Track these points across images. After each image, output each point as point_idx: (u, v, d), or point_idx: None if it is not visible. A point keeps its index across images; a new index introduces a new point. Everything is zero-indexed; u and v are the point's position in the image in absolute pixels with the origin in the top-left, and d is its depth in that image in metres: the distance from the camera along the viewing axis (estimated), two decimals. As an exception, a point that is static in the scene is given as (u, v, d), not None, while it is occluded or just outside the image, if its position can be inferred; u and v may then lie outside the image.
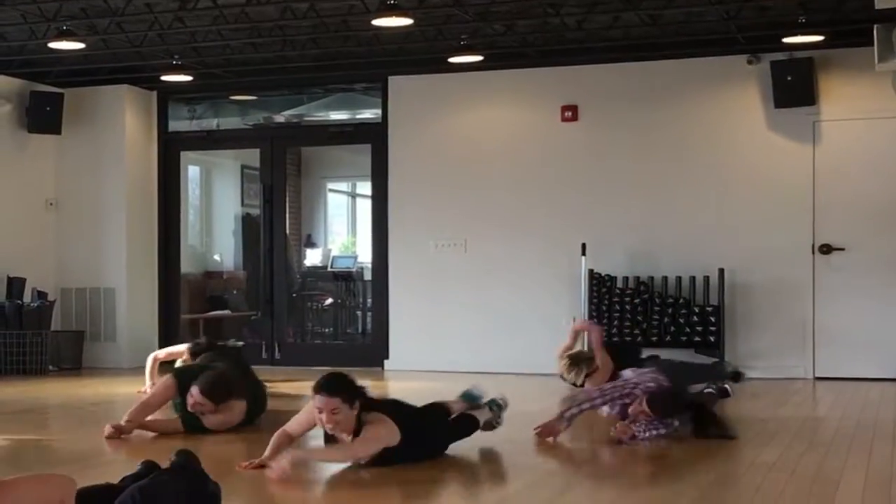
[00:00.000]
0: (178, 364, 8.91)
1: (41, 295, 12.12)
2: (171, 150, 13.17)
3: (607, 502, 5.01)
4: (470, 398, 6.65)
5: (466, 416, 6.54)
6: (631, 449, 6.64)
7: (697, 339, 10.86)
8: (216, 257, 16.04)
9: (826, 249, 10.93)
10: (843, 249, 10.90)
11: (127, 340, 12.61)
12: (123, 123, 12.58)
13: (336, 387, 5.75)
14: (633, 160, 11.46)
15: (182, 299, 13.47)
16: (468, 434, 6.42)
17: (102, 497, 4.16)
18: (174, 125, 13.25)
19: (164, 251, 13.09)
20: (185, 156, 13.59)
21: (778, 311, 11.06)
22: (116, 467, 5.60)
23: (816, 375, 10.70)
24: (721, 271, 10.95)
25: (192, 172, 14.93)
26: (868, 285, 10.79)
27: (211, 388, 7.10)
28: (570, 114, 11.64)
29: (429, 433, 6.08)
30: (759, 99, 11.08)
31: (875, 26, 9.87)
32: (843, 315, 10.78)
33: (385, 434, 5.79)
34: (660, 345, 10.61)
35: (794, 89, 10.79)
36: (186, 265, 13.90)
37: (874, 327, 10.60)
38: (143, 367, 9.65)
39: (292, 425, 6.05)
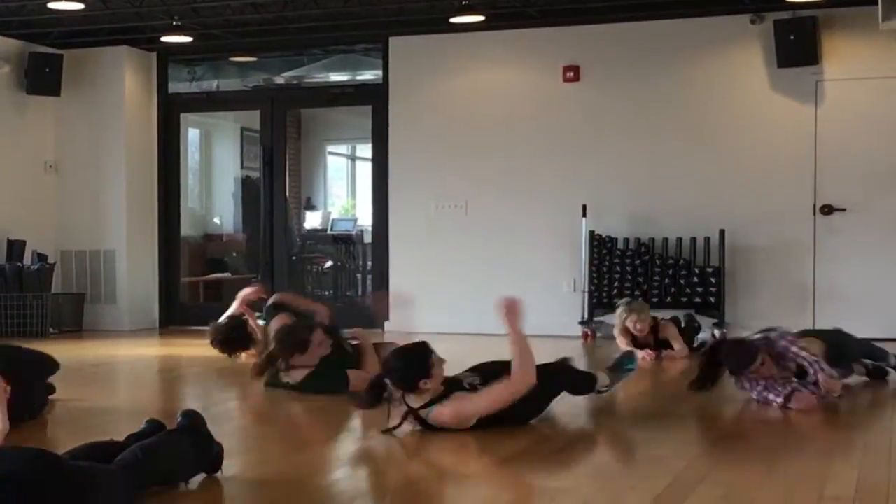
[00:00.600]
0: None
1: (41, 257, 12.12)
2: (170, 112, 13.13)
3: (607, 461, 5.00)
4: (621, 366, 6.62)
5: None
6: (633, 404, 6.67)
7: (698, 300, 10.86)
8: (216, 220, 16.06)
9: (827, 210, 10.92)
10: (844, 210, 10.88)
11: (127, 303, 12.62)
12: (123, 85, 12.54)
13: None
14: (634, 121, 11.44)
15: (182, 262, 13.47)
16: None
17: (104, 453, 4.18)
18: (174, 87, 13.20)
19: (164, 213, 13.07)
20: (185, 118, 13.55)
21: (779, 272, 11.07)
22: (118, 427, 5.61)
23: (817, 336, 10.70)
24: (722, 232, 10.94)
25: (191, 135, 14.92)
26: (869, 246, 10.79)
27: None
28: (571, 74, 11.60)
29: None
30: (761, 58, 11.04)
31: (879, -15, 9.84)
32: (843, 275, 10.78)
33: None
34: (660, 306, 10.59)
35: (797, 49, 10.73)
36: (186, 228, 13.91)
37: (874, 287, 10.60)
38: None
39: None
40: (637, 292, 10.95)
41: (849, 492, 4.38)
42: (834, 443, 5.68)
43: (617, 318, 9.64)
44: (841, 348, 7.10)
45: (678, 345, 9.39)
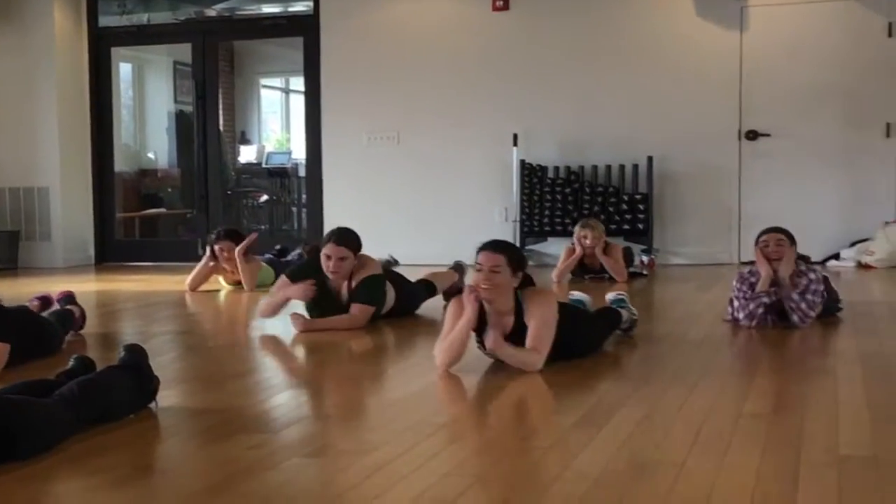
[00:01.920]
0: None
1: (-27, 195, 12.09)
2: (101, 47, 13.04)
3: (531, 385, 5.12)
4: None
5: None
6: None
7: (627, 227, 11.03)
8: (150, 155, 15.99)
9: (752, 135, 11.10)
10: (768, 135, 11.07)
11: (62, 239, 12.59)
12: (52, 19, 12.40)
13: (500, 245, 5.41)
14: (563, 49, 11.52)
15: (117, 198, 13.44)
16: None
17: (38, 391, 4.22)
18: (104, 21, 13.07)
19: (98, 149, 13.01)
20: (116, 52, 13.44)
21: (705, 198, 11.25)
22: (54, 364, 5.69)
23: (742, 260, 10.91)
24: (649, 159, 11.09)
25: (123, 70, 14.81)
26: (793, 170, 11.00)
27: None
28: (501, 3, 11.61)
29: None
30: (687, -14, 11.16)
31: None
32: (767, 200, 10.97)
33: (554, 313, 5.35)
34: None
35: (722, -25, 10.87)
36: (120, 163, 13.85)
37: (798, 212, 10.74)
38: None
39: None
40: (568, 220, 11.10)
41: (767, 408, 4.52)
42: (757, 362, 5.84)
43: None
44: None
45: (619, 267, 9.55)
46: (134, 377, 4.49)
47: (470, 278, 5.39)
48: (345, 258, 6.97)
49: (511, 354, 5.24)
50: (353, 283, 7.05)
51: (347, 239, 7.04)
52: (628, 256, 10.00)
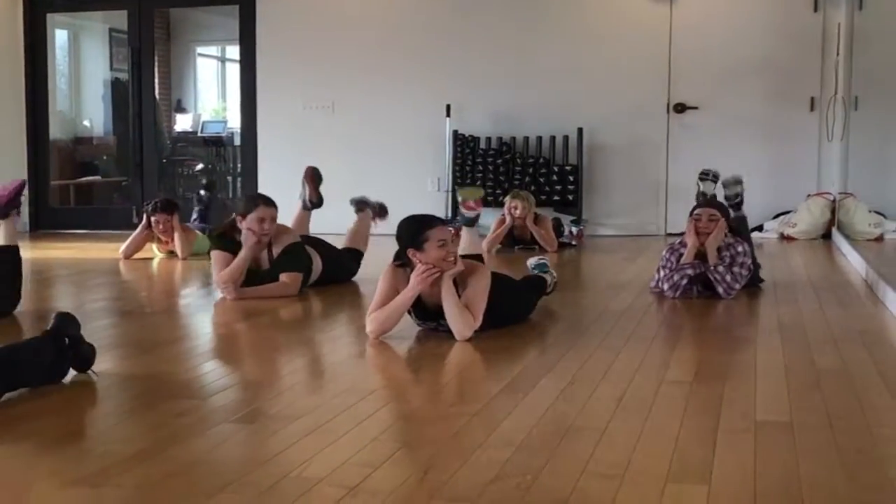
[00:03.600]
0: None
1: None
2: (36, 12, 12.95)
3: (459, 354, 5.23)
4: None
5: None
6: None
7: (557, 198, 11.18)
8: (86, 123, 15.90)
9: (680, 108, 11.28)
10: (696, 108, 11.26)
11: (-4, 207, 12.51)
12: (-15, -14, 12.35)
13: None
14: (496, 22, 11.61)
15: (52, 165, 13.39)
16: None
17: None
18: (39, -13, 13.02)
19: (33, 116, 12.95)
20: (52, 18, 13.36)
21: (633, 170, 11.43)
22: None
23: (668, 232, 11.10)
24: (580, 131, 11.24)
25: (59, 36, 14.71)
26: (719, 143, 11.19)
27: None
28: (435, -24, 11.71)
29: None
30: (618, -40, 11.28)
31: None
32: (694, 173, 10.99)
33: (487, 284, 5.50)
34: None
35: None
36: (56, 131, 13.78)
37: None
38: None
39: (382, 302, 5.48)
40: (499, 191, 11.23)
41: (688, 376, 4.65)
42: (680, 331, 6.00)
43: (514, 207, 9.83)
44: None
45: (549, 237, 9.71)
46: (57, 347, 4.45)
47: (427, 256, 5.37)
48: (275, 219, 7.01)
49: (455, 303, 5.35)
50: (274, 253, 7.09)
51: (272, 200, 7.06)
52: (558, 227, 10.16)
